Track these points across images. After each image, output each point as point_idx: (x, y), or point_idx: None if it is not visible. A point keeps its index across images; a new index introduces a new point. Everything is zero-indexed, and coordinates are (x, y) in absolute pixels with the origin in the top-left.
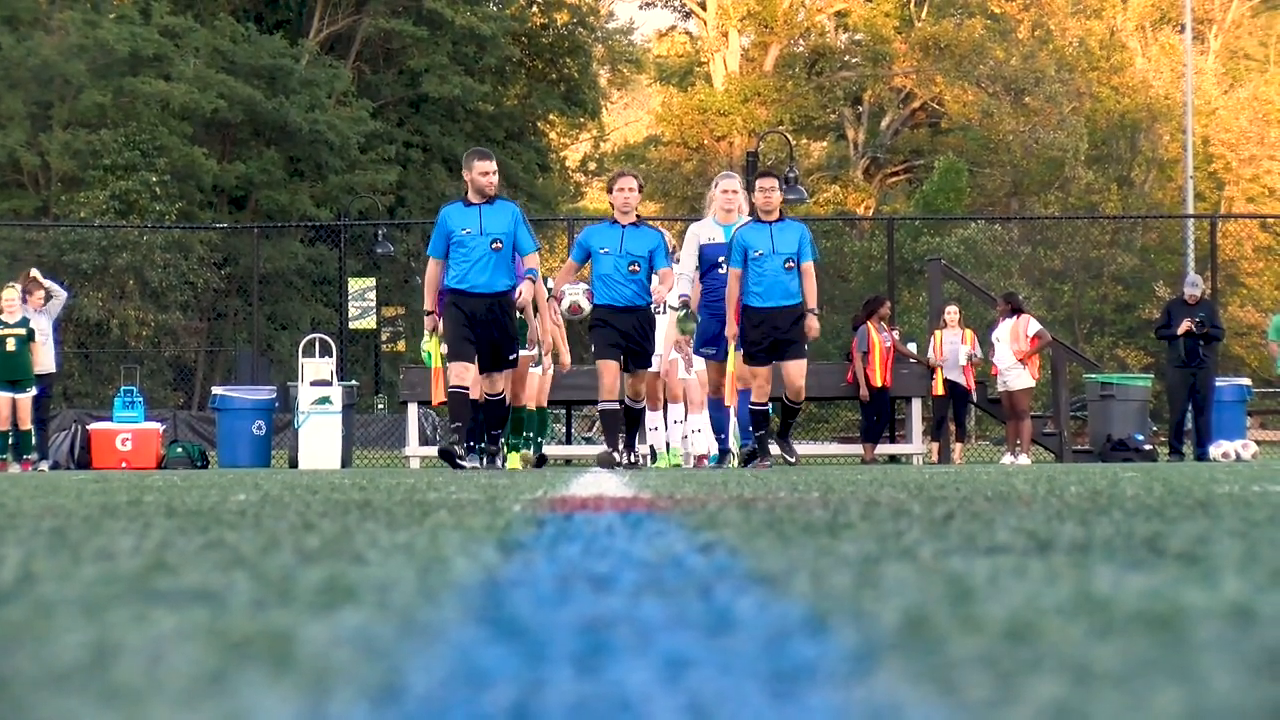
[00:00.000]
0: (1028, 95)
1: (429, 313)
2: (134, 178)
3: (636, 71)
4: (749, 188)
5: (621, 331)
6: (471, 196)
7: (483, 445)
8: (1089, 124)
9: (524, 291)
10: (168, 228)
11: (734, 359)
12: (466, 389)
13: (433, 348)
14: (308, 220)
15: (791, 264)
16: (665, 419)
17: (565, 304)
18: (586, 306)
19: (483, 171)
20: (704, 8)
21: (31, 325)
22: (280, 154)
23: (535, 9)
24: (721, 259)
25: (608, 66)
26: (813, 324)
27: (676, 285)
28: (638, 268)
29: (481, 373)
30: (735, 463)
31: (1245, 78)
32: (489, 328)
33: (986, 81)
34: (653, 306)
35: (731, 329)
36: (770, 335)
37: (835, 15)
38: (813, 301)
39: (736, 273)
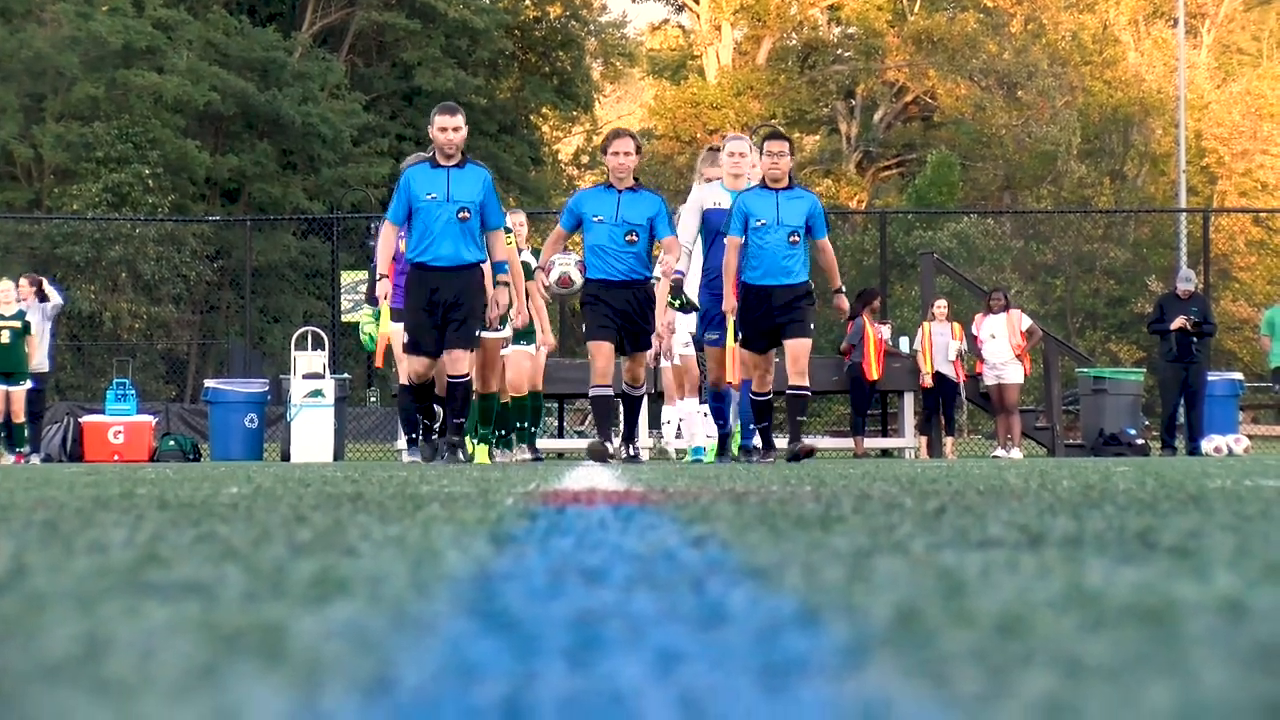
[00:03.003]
0: (1020, 89)
1: (381, 276)
2: (126, 170)
3: (629, 65)
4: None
5: (616, 309)
6: (438, 157)
7: (448, 437)
8: (1081, 118)
9: (500, 301)
10: (160, 220)
11: (733, 336)
12: (430, 383)
13: (373, 329)
14: (300, 213)
15: (796, 238)
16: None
17: (554, 275)
18: (578, 279)
19: (442, 127)
20: (697, 1)
21: (27, 319)
22: (273, 147)
23: (528, 2)
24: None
25: (600, 60)
26: (842, 302)
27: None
28: (636, 237)
29: (447, 350)
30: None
31: (1238, 72)
32: (453, 305)
33: (979, 75)
34: (654, 281)
35: (730, 302)
36: (768, 318)
37: (828, 9)
38: (837, 279)
39: (736, 241)
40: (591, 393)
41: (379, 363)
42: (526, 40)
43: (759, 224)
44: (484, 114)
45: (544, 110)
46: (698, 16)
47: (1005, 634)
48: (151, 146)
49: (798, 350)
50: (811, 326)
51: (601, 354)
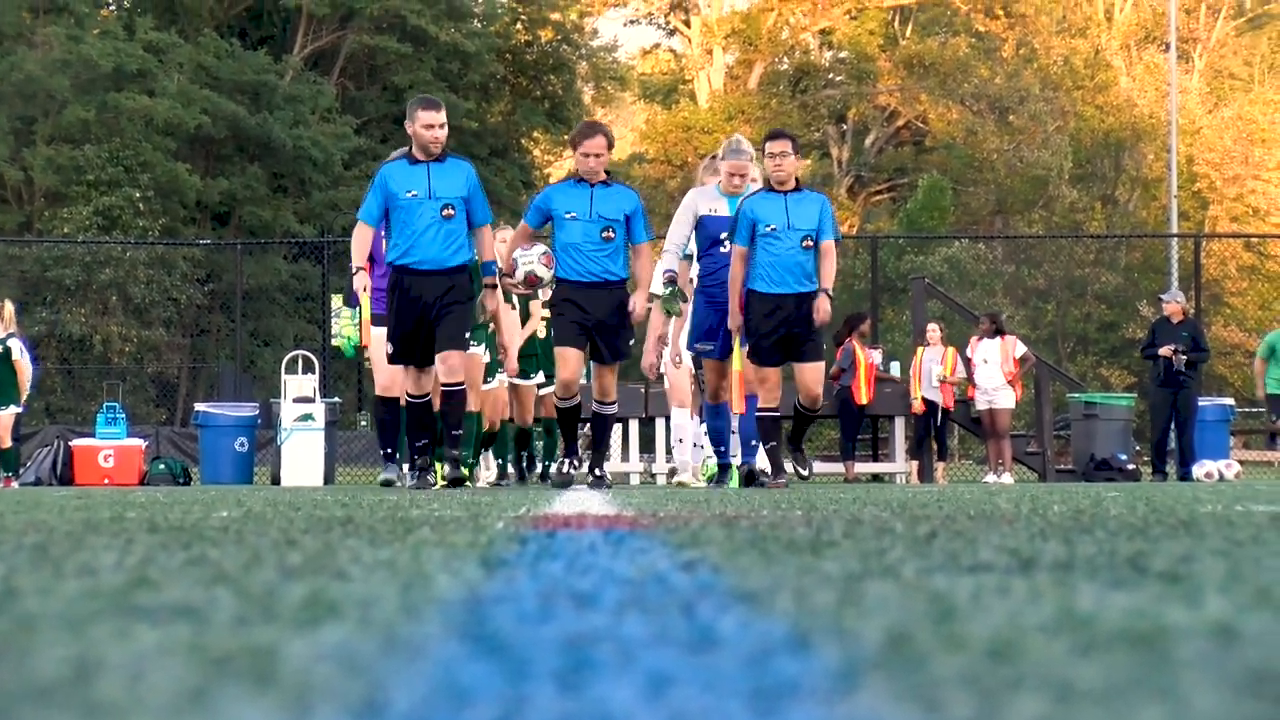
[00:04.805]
0: (1012, 114)
1: (358, 269)
2: (117, 193)
3: (621, 89)
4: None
5: (587, 313)
6: (417, 153)
7: (439, 450)
8: (1073, 143)
9: (488, 303)
10: (151, 243)
11: (739, 356)
12: (427, 397)
13: (351, 332)
14: (291, 237)
15: (809, 242)
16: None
17: (520, 275)
18: (546, 275)
19: (427, 124)
20: (688, 25)
21: (9, 344)
22: (264, 170)
23: (519, 26)
24: (724, 235)
25: (592, 84)
26: (823, 305)
27: (660, 261)
28: (612, 234)
29: (440, 355)
30: (734, 481)
31: (1230, 97)
32: (440, 311)
33: (971, 100)
34: (633, 311)
35: (735, 319)
36: (781, 328)
37: (819, 33)
38: (828, 282)
39: (742, 251)
40: (556, 404)
41: (365, 341)
42: (518, 64)
43: (769, 229)
44: (475, 137)
45: (535, 134)
46: (689, 41)
47: (996, 658)
48: (142, 170)
49: (810, 375)
50: (823, 345)
51: (568, 362)
